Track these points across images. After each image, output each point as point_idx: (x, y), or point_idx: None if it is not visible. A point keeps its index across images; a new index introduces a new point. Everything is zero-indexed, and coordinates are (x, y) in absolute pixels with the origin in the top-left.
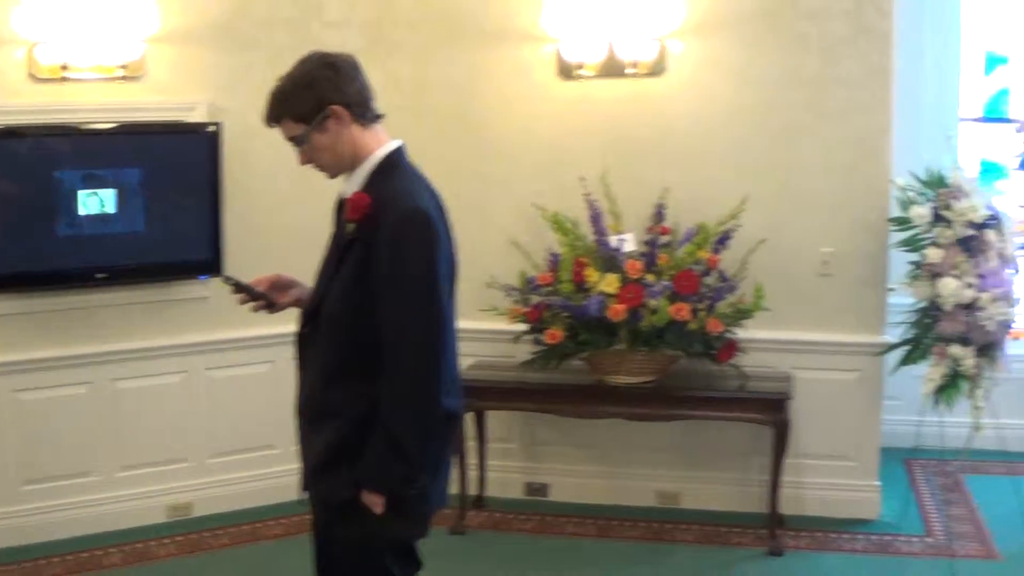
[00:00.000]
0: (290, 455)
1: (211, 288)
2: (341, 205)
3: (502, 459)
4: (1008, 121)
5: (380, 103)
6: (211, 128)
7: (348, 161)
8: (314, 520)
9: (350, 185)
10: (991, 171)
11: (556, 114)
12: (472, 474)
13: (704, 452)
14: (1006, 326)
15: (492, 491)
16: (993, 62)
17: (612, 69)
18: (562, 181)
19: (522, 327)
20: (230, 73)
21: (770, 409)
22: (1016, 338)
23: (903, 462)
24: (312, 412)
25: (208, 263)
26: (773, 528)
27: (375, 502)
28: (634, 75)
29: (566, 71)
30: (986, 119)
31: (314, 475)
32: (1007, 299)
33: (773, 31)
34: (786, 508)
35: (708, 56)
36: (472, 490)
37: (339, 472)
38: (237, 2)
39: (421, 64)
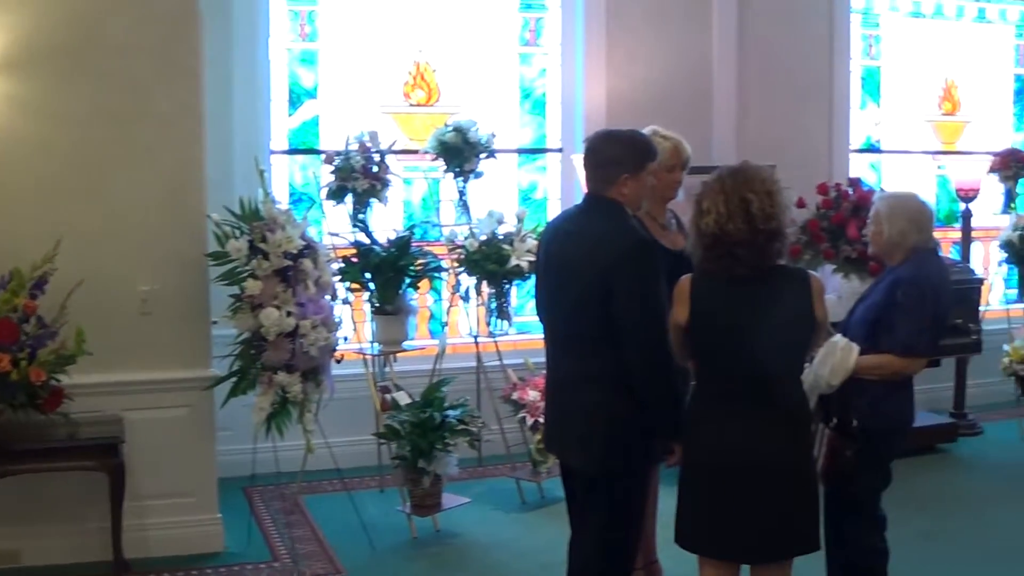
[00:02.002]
0: None
1: None
2: None
3: None
4: (318, 152)
5: None
6: None
7: None
8: None
9: None
10: (303, 201)
11: None
12: None
13: (41, 505)
14: (329, 350)
15: None
16: (301, 95)
17: None
18: None
19: None
20: None
21: (103, 455)
22: (338, 361)
23: (243, 491)
24: None
25: None
26: (119, 575)
27: None
28: None
29: None
30: (295, 150)
31: None
32: (327, 325)
33: (79, 68)
34: (132, 552)
35: (13, 93)
36: None
37: None
38: None
39: None
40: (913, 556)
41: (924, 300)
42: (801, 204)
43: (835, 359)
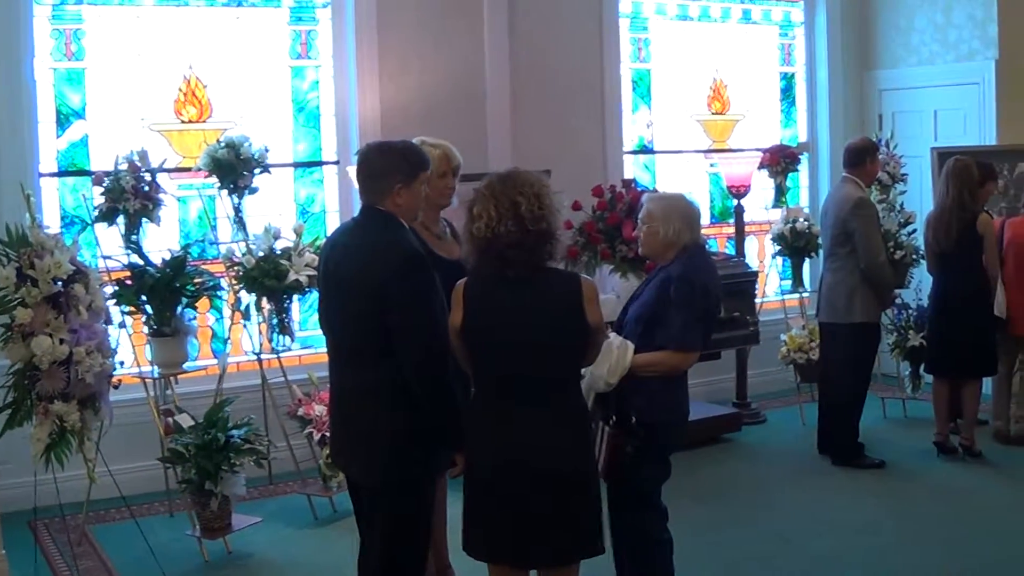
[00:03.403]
0: None
1: None
2: None
3: None
4: (88, 173)
5: None
6: None
7: None
8: None
9: None
10: (75, 224)
11: None
12: None
13: None
14: (105, 376)
15: None
16: (69, 115)
17: None
18: None
19: None
20: None
21: None
22: (116, 386)
23: (27, 525)
24: None
25: None
26: None
27: None
28: None
29: None
30: (64, 172)
31: None
32: (102, 350)
33: None
34: None
35: None
36: None
37: None
38: None
39: None
40: (700, 544)
41: (694, 296)
42: (577, 207)
43: (612, 359)
